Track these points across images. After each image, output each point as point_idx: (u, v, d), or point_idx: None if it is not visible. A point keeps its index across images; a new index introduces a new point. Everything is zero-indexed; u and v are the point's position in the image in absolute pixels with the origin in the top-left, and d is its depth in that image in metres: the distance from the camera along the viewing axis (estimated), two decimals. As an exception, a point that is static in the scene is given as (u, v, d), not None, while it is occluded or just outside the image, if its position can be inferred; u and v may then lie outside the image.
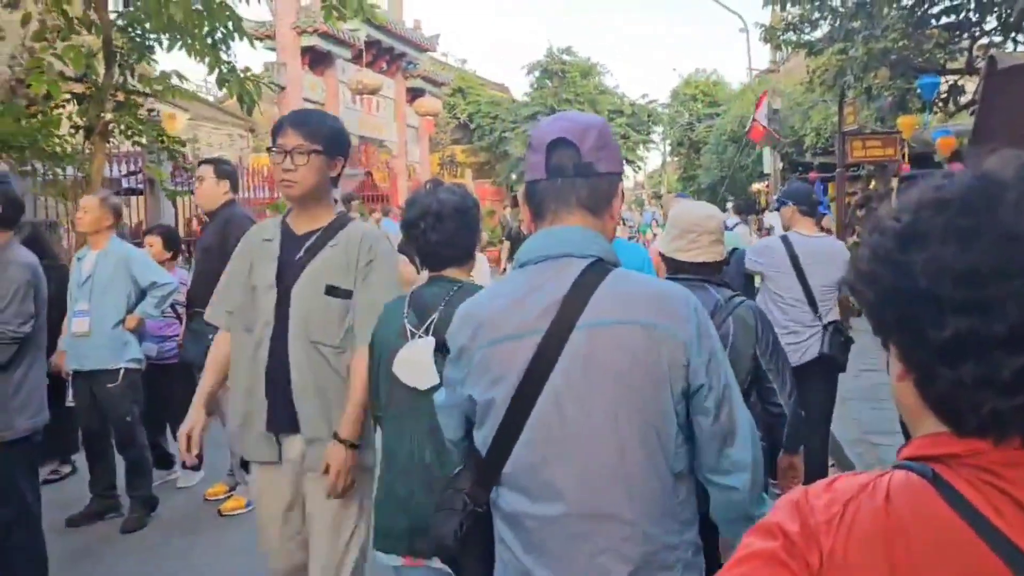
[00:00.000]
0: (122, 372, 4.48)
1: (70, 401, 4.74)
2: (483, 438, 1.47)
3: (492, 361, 1.43)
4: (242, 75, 8.04)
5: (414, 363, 2.11)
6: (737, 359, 2.20)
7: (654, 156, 40.40)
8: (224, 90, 8.06)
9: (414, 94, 20.01)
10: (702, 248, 2.48)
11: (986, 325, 0.73)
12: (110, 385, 4.46)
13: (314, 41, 15.21)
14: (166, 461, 5.37)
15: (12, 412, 3.18)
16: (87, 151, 7.96)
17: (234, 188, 4.79)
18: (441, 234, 2.16)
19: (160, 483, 5.27)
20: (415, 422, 2.11)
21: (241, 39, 7.95)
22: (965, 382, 0.75)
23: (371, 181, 20.91)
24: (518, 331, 1.41)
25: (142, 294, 4.55)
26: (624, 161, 24.98)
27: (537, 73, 26.89)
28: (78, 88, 8.18)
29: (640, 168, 29.31)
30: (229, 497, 4.87)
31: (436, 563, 1.95)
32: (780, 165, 21.12)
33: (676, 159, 35.67)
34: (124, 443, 4.58)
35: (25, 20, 8.03)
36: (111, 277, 4.48)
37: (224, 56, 7.93)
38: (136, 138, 8.34)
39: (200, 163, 4.85)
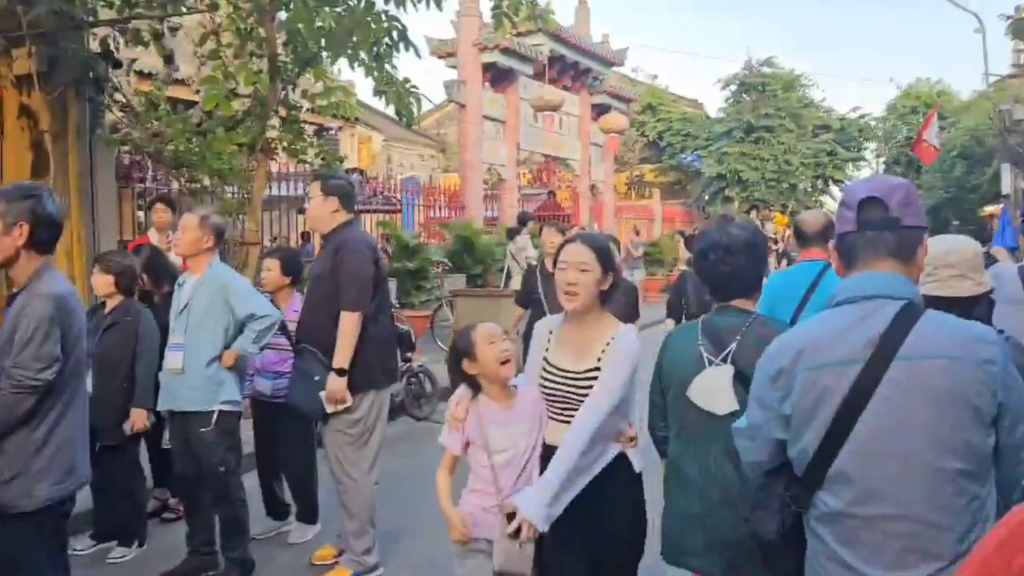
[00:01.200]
0: (216, 416, 3.89)
1: (166, 443, 4.24)
2: (802, 447, 1.69)
3: (817, 382, 1.65)
4: (402, 87, 7.57)
5: (713, 389, 2.24)
6: None
7: (866, 175, 37.05)
8: (382, 100, 7.61)
9: (599, 111, 19.17)
10: (940, 282, 2.39)
11: None
12: (202, 429, 3.88)
13: (495, 57, 14.81)
14: (279, 511, 4.79)
15: (31, 477, 2.58)
16: (252, 169, 7.79)
17: (347, 206, 4.11)
18: (731, 267, 2.32)
19: (271, 535, 4.69)
20: (711, 443, 2.24)
21: (407, 50, 7.47)
22: None
23: (553, 201, 20.34)
24: (842, 359, 1.63)
25: (242, 326, 3.97)
26: (830, 181, 22.78)
27: (733, 87, 25.23)
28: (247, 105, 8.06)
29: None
30: (334, 565, 4.17)
31: None
32: (1023, 184, 18.19)
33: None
34: (217, 496, 3.99)
35: (203, 40, 8.01)
36: (208, 307, 3.91)
37: (390, 68, 7.51)
38: (300, 156, 8.07)
39: (313, 178, 4.21)
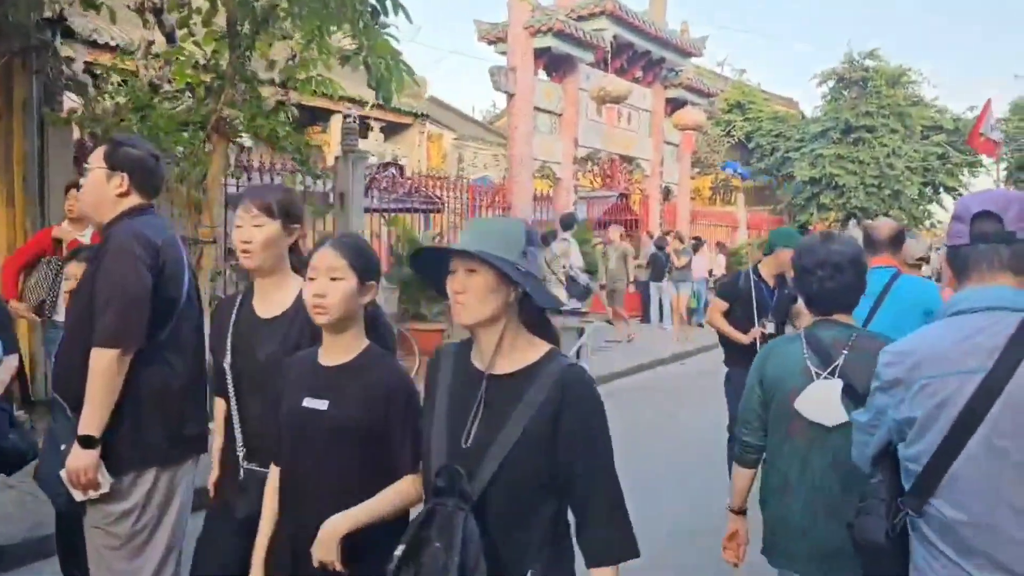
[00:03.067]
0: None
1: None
2: (918, 453, 1.72)
3: (934, 391, 1.68)
4: (390, 58, 6.17)
5: (822, 401, 2.33)
6: None
7: (986, 183, 33.50)
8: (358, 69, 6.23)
9: (675, 106, 17.36)
10: None
11: None
12: None
13: (549, 42, 13.28)
14: None
15: None
16: (207, 150, 6.53)
17: (143, 188, 2.72)
18: (837, 283, 2.42)
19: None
20: (819, 455, 2.35)
21: (396, 13, 6.08)
22: None
23: (625, 204, 18.63)
24: (964, 368, 1.65)
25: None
26: (941, 188, 20.16)
27: (832, 83, 22.82)
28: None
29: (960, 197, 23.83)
30: None
31: None
32: None
33: (1014, 187, 29.05)
34: None
35: (172, 7, 6.84)
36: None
37: (388, 37, 6.14)
38: (280, 144, 6.72)
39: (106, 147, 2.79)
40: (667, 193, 18.75)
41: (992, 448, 1.63)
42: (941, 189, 23.08)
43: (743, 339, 5.00)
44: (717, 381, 5.46)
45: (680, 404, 8.76)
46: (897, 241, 3.69)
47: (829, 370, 2.36)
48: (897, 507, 1.79)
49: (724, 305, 5.25)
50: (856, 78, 21.99)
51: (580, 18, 14.06)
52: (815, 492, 2.36)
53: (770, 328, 4.91)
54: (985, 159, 24.78)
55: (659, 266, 14.05)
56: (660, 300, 15.02)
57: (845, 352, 2.36)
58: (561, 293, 9.70)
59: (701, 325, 14.23)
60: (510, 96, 13.46)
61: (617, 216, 18.84)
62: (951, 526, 1.68)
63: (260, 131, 6.45)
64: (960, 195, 24.43)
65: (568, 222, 11.13)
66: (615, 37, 14.90)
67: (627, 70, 16.39)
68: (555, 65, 14.42)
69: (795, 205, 23.35)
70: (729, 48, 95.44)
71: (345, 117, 11.14)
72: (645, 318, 15.58)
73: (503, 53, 13.74)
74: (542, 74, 14.49)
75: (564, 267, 10.09)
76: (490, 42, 13.96)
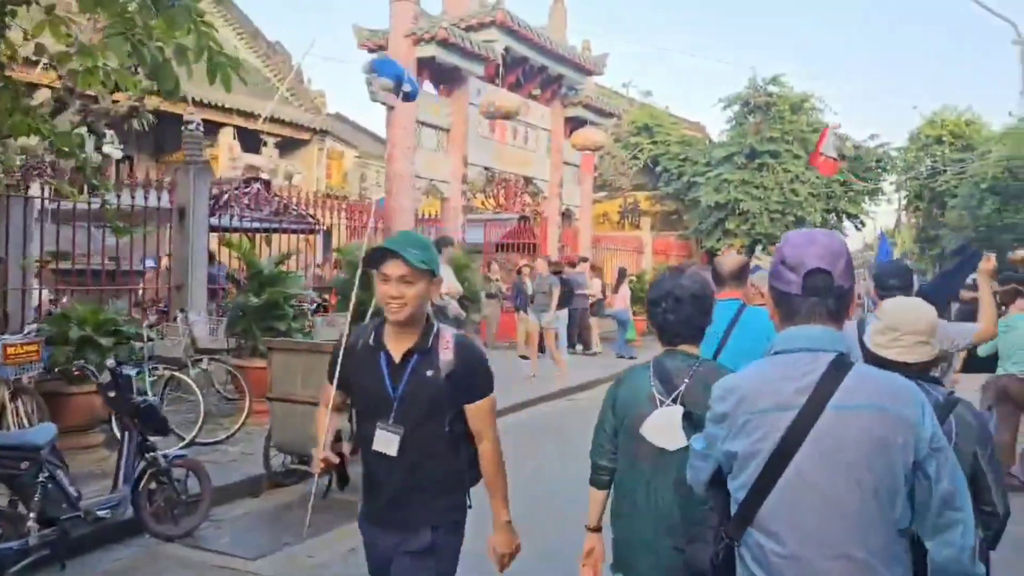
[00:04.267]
0: None
1: None
2: (740, 485, 1.83)
3: (755, 426, 1.79)
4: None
5: (664, 427, 2.47)
6: (960, 457, 2.10)
7: (886, 211, 34.08)
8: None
9: (575, 125, 16.65)
10: (904, 348, 2.48)
11: None
12: None
13: (433, 51, 12.34)
14: None
15: None
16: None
17: None
18: (678, 315, 2.57)
19: None
20: (662, 476, 2.49)
21: (202, -5, 4.93)
22: None
23: (526, 227, 17.75)
24: (778, 405, 1.78)
25: None
26: (844, 215, 20.10)
27: (736, 107, 22.58)
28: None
29: (863, 224, 23.81)
30: None
31: None
32: (1068, 224, 15.36)
33: (913, 216, 29.55)
34: None
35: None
36: None
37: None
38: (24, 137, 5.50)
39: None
40: (568, 216, 18.00)
41: (803, 483, 1.75)
42: (844, 216, 23.04)
43: None
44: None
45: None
46: (742, 275, 3.85)
47: (672, 397, 2.50)
48: (721, 535, 1.91)
49: None
50: (760, 103, 21.78)
51: (468, 28, 13.18)
52: (658, 512, 2.49)
53: None
54: (885, 187, 25.00)
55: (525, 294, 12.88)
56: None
57: (687, 380, 2.51)
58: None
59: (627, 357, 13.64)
60: (390, 109, 12.42)
61: (516, 239, 17.99)
62: (767, 556, 1.78)
63: (17, 129, 5.20)
64: (861, 225, 24.53)
65: (440, 243, 10.10)
66: (507, 50, 14.08)
67: (523, 86, 15.60)
68: (442, 77, 13.49)
69: (701, 231, 22.94)
70: (636, 71, 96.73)
71: (186, 124, 9.88)
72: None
73: (384, 62, 12.72)
74: (428, 86, 13.53)
75: (441, 296, 9.04)
76: (370, 50, 12.94)
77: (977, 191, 19.49)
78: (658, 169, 24.21)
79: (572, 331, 14.21)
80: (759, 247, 23.33)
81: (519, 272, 13.66)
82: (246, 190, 11.56)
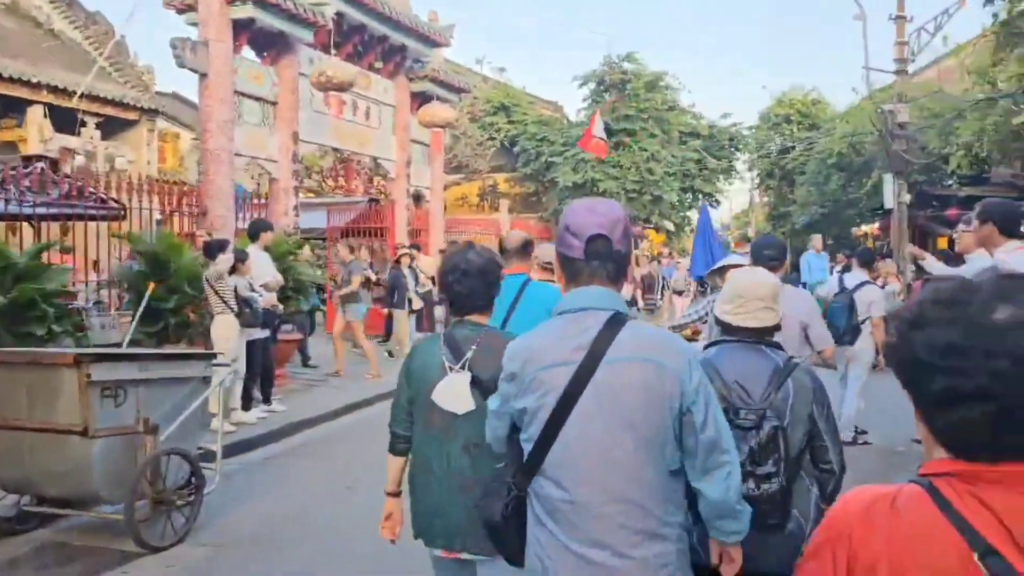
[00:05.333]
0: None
1: None
2: (528, 438, 1.96)
3: (540, 382, 1.93)
4: None
5: (454, 393, 2.59)
6: (795, 420, 2.49)
7: (739, 190, 34.95)
8: None
9: (422, 101, 15.59)
10: (750, 313, 2.63)
11: (961, 384, 1.09)
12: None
13: (251, 12, 10.96)
14: None
15: None
16: None
17: None
18: (465, 287, 2.70)
19: None
20: (454, 440, 2.60)
21: None
22: (951, 422, 1.12)
23: (376, 210, 16.51)
24: (560, 361, 1.91)
25: None
26: (700, 195, 20.17)
27: (592, 85, 22.13)
28: None
29: (718, 203, 24.03)
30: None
31: (465, 555, 2.58)
32: (908, 198, 15.67)
33: (765, 194, 30.29)
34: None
35: None
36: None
37: None
38: None
39: None
40: (419, 198, 16.94)
41: (582, 432, 1.88)
42: (700, 195, 23.11)
43: None
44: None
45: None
46: (525, 250, 4.04)
47: (460, 364, 2.61)
48: (511, 487, 2.04)
49: None
50: (615, 81, 21.40)
51: (294, -12, 11.81)
52: (451, 474, 2.59)
53: None
54: (739, 166, 25.32)
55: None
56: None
57: (474, 348, 2.62)
58: (225, 325, 7.39)
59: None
60: (202, 76, 10.93)
61: (365, 224, 16.76)
62: (555, 504, 1.91)
63: None
64: (717, 203, 24.76)
65: (254, 231, 8.84)
66: (340, 15, 12.81)
67: (362, 56, 14.37)
68: (265, 43, 12.07)
69: (560, 212, 22.45)
70: (491, 47, 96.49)
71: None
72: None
73: (195, 24, 11.22)
74: (249, 53, 12.11)
75: (246, 290, 7.80)
76: (179, 10, 11.34)
77: (824, 167, 19.85)
78: (516, 150, 23.48)
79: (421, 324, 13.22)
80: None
81: (398, 261, 12.45)
82: (26, 170, 9.84)
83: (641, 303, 14.95)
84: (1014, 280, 1.15)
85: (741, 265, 5.36)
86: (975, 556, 1.07)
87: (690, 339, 6.09)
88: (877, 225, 21.68)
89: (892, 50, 15.78)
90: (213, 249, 7.61)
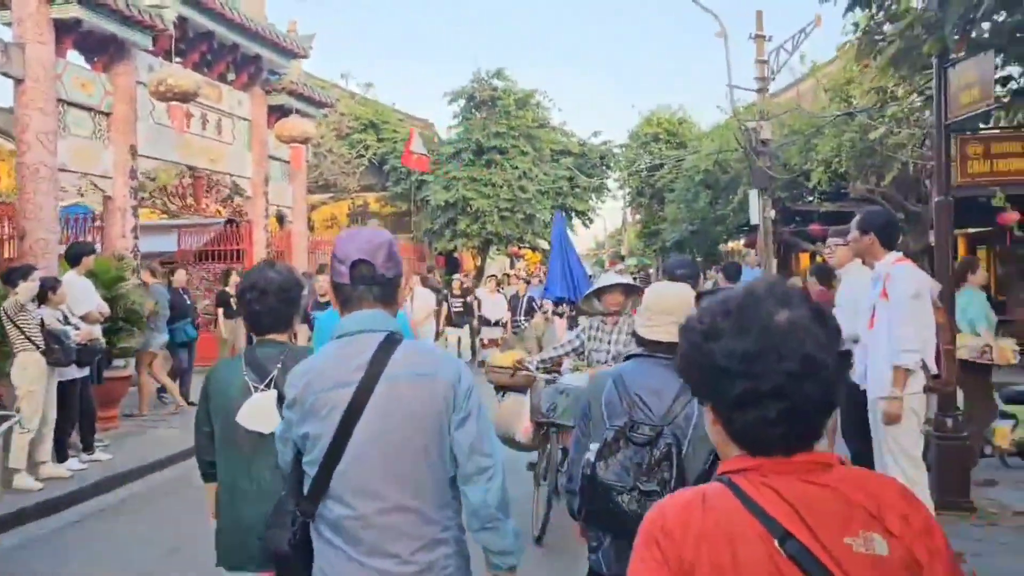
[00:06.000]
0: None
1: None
2: (312, 461, 1.98)
3: (321, 404, 1.97)
4: None
5: (260, 413, 2.57)
6: (698, 439, 2.37)
7: (612, 208, 35.35)
8: None
9: (281, 115, 14.64)
10: (660, 327, 2.59)
11: (757, 387, 1.19)
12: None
13: (77, 12, 9.83)
14: None
15: None
16: None
17: None
18: (263, 305, 2.67)
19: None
20: (262, 459, 2.55)
21: None
22: (750, 422, 1.22)
23: (234, 231, 15.33)
24: (339, 383, 1.97)
25: None
26: (573, 213, 19.88)
27: (462, 102, 21.70)
28: None
29: (590, 222, 24.05)
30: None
31: None
32: (772, 213, 15.99)
33: (637, 212, 30.74)
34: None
35: None
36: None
37: None
38: None
39: None
40: (282, 219, 15.92)
41: (364, 449, 1.94)
42: (573, 213, 23.03)
43: None
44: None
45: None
46: None
47: (265, 383, 2.61)
48: (297, 515, 2.04)
49: None
50: (486, 98, 21.04)
51: (128, -11, 10.71)
52: (262, 495, 2.52)
53: None
54: (610, 184, 25.49)
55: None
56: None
57: (278, 366, 2.60)
58: (29, 364, 6.32)
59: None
60: (18, 82, 9.68)
61: (220, 247, 15.56)
62: (341, 522, 1.95)
63: None
64: (589, 222, 24.79)
65: (74, 255, 7.76)
66: (182, 20, 11.77)
67: (212, 65, 13.32)
68: (95, 48, 10.89)
69: (433, 232, 21.79)
70: (360, 62, 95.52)
71: None
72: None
73: (9, 24, 9.95)
74: (77, 57, 10.90)
75: (59, 319, 6.73)
76: (-10, 9, 10.05)
77: (692, 184, 20.12)
78: (386, 168, 22.72)
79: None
80: (492, 247, 22.67)
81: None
82: None
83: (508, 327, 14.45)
84: (783, 286, 1.28)
85: (619, 285, 4.94)
86: (775, 542, 1.16)
87: (549, 372, 5.48)
88: (743, 241, 22.21)
89: (753, 68, 16.12)
90: (14, 276, 6.52)
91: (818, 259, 21.16)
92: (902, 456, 4.39)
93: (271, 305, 2.65)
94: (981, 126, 6.01)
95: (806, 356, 1.19)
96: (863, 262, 5.04)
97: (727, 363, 1.21)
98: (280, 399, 2.35)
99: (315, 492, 1.97)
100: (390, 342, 2.01)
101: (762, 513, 1.18)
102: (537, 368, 5.33)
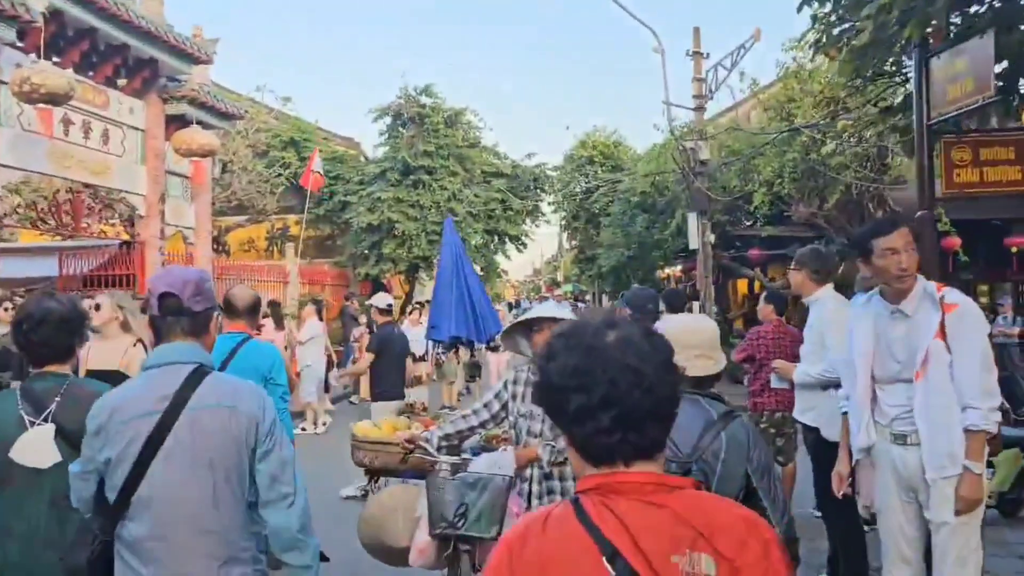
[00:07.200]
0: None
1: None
2: (112, 486, 2.09)
3: (126, 432, 2.09)
4: None
5: (36, 447, 2.51)
6: (727, 476, 2.33)
7: (549, 234, 34.52)
8: None
9: (183, 125, 13.27)
10: (687, 362, 2.41)
11: (589, 398, 1.29)
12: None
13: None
14: None
15: None
16: None
17: None
18: (39, 336, 2.63)
19: None
20: (36, 495, 2.51)
21: None
22: (588, 433, 1.30)
23: (123, 255, 13.80)
24: (144, 412, 2.10)
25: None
26: (506, 238, 18.75)
27: (388, 119, 20.55)
28: None
29: (524, 247, 23.03)
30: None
31: None
32: (712, 237, 15.19)
33: (573, 237, 29.92)
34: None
35: None
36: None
37: None
38: None
39: None
40: (184, 241, 14.45)
41: (165, 475, 2.06)
42: (506, 238, 22.01)
43: None
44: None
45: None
46: (254, 310, 4.25)
47: (43, 417, 2.54)
48: (97, 534, 2.13)
49: None
50: (413, 115, 19.94)
51: (-14, -27, 9.31)
52: (33, 531, 2.47)
53: None
54: (544, 208, 24.60)
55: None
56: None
57: (57, 399, 2.56)
58: None
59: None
60: None
61: (111, 271, 14.00)
62: (138, 542, 2.07)
63: None
64: (523, 247, 23.81)
65: None
66: (55, 12, 10.38)
67: (96, 67, 11.89)
68: (-56, 40, 9.45)
69: (357, 256, 20.48)
70: (286, 79, 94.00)
71: None
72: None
73: None
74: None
75: None
76: None
77: (628, 207, 19.32)
78: (307, 189, 21.35)
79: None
80: (421, 271, 21.47)
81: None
82: None
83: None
84: (615, 315, 1.42)
85: (558, 319, 3.51)
86: (603, 559, 1.24)
87: (488, 446, 4.09)
88: (680, 268, 21.49)
89: (691, 87, 15.41)
90: None
91: (756, 285, 20.60)
92: (972, 557, 3.15)
93: (49, 335, 2.64)
94: (970, 128, 5.15)
95: (627, 366, 1.30)
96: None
97: (560, 379, 1.32)
98: (60, 432, 2.51)
99: (115, 515, 2.09)
100: (197, 374, 2.16)
101: (596, 531, 1.26)
102: (439, 448, 3.64)
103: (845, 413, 3.48)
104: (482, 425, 3.63)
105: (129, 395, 2.15)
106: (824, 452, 4.27)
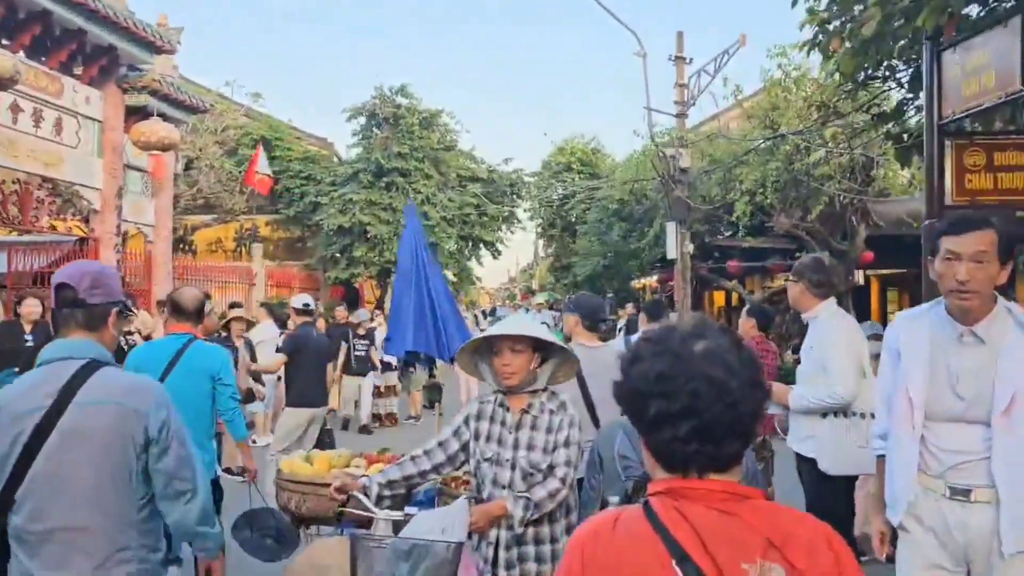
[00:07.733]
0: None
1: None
2: (1, 480, 2.11)
3: (12, 428, 2.10)
4: None
5: None
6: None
7: (525, 241, 34.07)
8: None
9: (144, 117, 12.67)
10: None
11: (669, 406, 1.28)
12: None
13: None
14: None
15: None
16: None
17: None
18: None
19: None
20: None
21: None
22: (665, 439, 1.30)
23: (77, 252, 13.12)
24: (31, 408, 2.10)
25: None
26: (481, 244, 18.10)
27: (362, 119, 20.01)
28: None
29: (499, 253, 22.54)
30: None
31: None
32: (691, 248, 14.81)
33: (549, 245, 29.50)
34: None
35: None
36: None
37: None
38: None
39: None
40: (134, 238, 13.80)
41: (50, 469, 2.08)
42: (480, 244, 21.53)
43: None
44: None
45: None
46: (200, 311, 4.20)
47: None
48: None
49: None
50: (388, 115, 19.42)
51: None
52: None
53: None
54: (520, 214, 24.16)
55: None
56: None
57: None
58: None
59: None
60: None
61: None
62: (23, 535, 2.10)
63: None
64: (498, 253, 23.34)
65: None
66: (4, -9, 9.77)
67: (49, 52, 11.27)
68: None
69: (327, 259, 19.89)
70: (258, 75, 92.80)
71: None
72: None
73: None
74: None
75: None
76: None
77: (606, 215, 18.93)
78: (278, 188, 20.74)
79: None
80: (393, 276, 20.89)
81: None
82: None
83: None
84: (706, 322, 1.38)
85: (527, 338, 2.93)
86: (673, 562, 1.24)
87: (445, 490, 3.39)
88: (656, 278, 21.14)
89: (673, 92, 15.06)
90: None
91: (733, 297, 20.31)
92: None
93: None
94: (977, 129, 4.75)
95: (711, 378, 1.28)
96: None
97: (643, 384, 1.32)
98: None
99: (3, 506, 2.11)
100: (88, 368, 2.15)
101: (666, 534, 1.26)
102: (380, 499, 2.91)
103: (881, 456, 2.80)
104: (435, 470, 2.95)
105: (19, 391, 2.17)
106: (820, 487, 3.83)
